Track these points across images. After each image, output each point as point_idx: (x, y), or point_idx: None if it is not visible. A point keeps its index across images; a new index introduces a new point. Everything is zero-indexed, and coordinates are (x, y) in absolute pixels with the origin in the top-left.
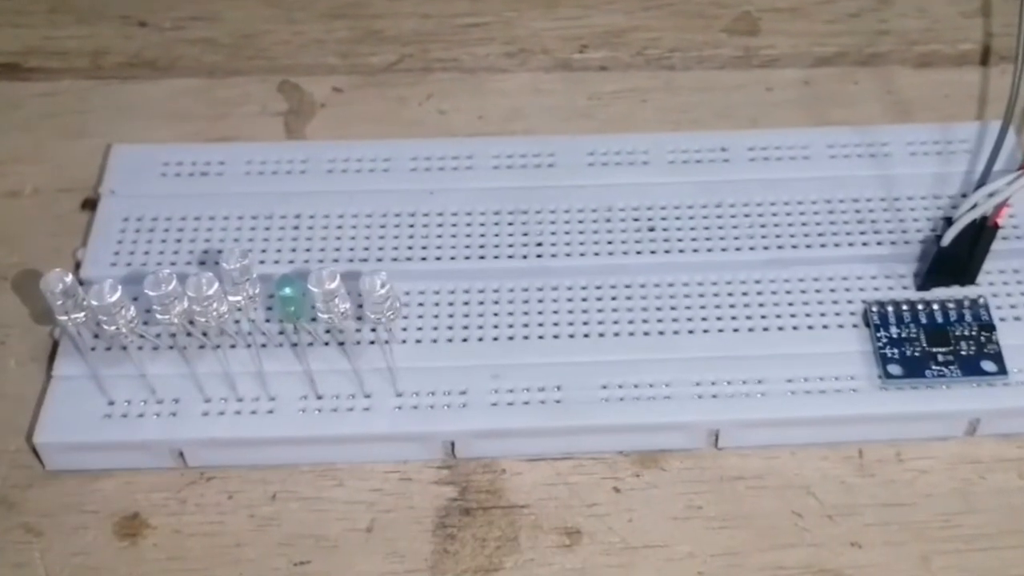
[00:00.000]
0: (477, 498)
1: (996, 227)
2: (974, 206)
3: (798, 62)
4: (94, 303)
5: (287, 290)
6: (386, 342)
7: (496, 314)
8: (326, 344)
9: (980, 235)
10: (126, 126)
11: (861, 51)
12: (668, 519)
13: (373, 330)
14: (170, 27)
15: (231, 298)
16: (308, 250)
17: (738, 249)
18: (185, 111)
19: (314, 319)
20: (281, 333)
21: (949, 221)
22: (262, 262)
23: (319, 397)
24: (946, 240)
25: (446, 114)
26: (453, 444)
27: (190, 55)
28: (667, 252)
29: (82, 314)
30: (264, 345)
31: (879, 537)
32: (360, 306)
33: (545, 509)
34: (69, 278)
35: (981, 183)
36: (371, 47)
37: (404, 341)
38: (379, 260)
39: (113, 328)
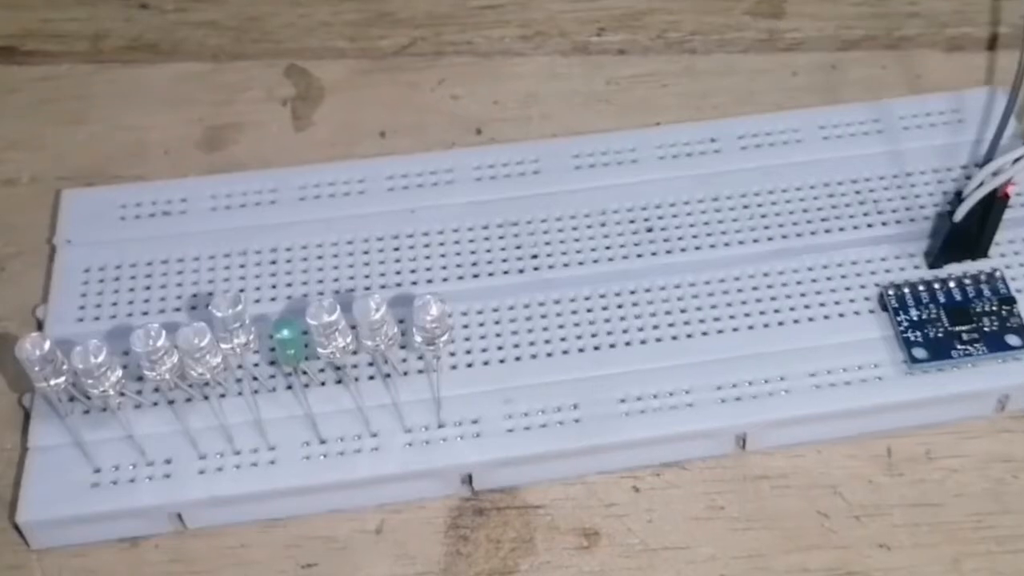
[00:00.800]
0: (491, 498)
1: (1007, 198)
2: (981, 184)
3: (824, 45)
4: (79, 366)
5: (285, 332)
6: (433, 370)
7: (499, 334)
8: (322, 384)
9: (990, 208)
10: (127, 112)
11: (889, 34)
12: (689, 520)
13: (419, 357)
14: (172, 9)
15: (224, 346)
16: (289, 285)
17: (741, 243)
18: (188, 96)
19: (308, 358)
20: (272, 377)
21: (959, 195)
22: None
23: (322, 441)
24: (959, 216)
25: (459, 100)
26: (471, 477)
27: (193, 38)
28: (668, 252)
29: (62, 379)
30: (257, 391)
31: (908, 538)
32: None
33: (562, 509)
34: (47, 344)
35: (989, 158)
36: (381, 30)
37: (406, 373)
38: (366, 288)
39: (99, 391)
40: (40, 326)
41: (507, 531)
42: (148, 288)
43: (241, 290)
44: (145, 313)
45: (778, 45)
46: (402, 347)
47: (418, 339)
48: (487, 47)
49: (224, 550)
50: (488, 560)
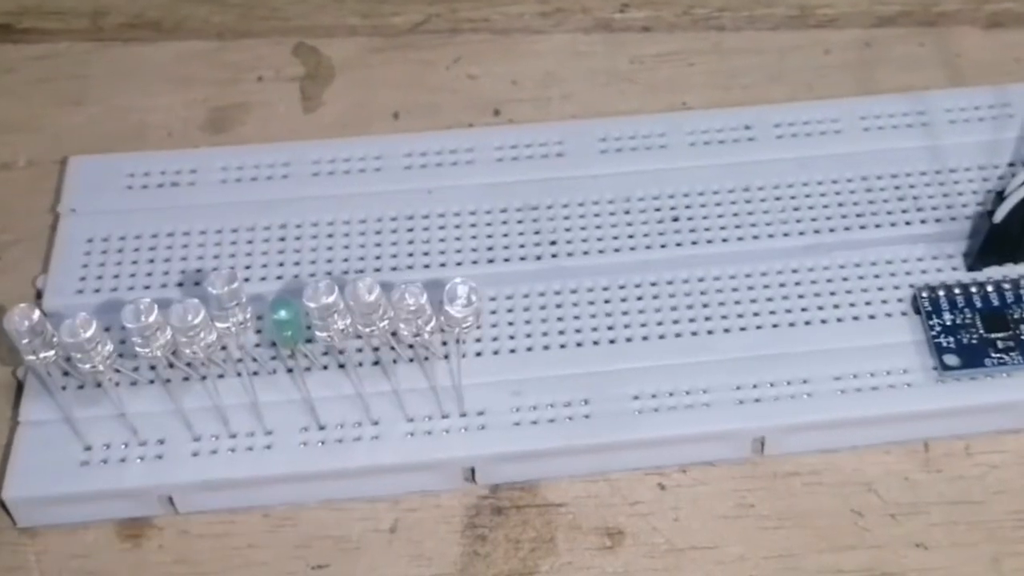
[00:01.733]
0: (510, 496)
1: None
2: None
3: (858, 22)
4: (67, 340)
5: (282, 313)
6: (445, 357)
7: (511, 323)
8: (324, 368)
9: None
10: (128, 92)
11: (927, 10)
12: (717, 518)
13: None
14: None
15: (219, 325)
16: (297, 263)
17: (771, 236)
18: (192, 76)
19: (309, 341)
20: (274, 359)
21: (1001, 195)
22: (247, 279)
23: (321, 427)
24: (999, 216)
25: (476, 79)
26: (473, 471)
27: (197, 15)
28: (694, 244)
29: (52, 352)
30: (256, 373)
31: (946, 538)
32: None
33: (584, 508)
34: (36, 315)
35: None
36: (394, 6)
37: (411, 360)
38: (376, 270)
39: (89, 366)
40: (39, 296)
41: (527, 530)
42: (151, 261)
43: (231, 267)
44: (147, 287)
45: (809, 22)
46: (393, 333)
47: (444, 324)
48: (505, 24)
49: (230, 550)
50: (507, 561)
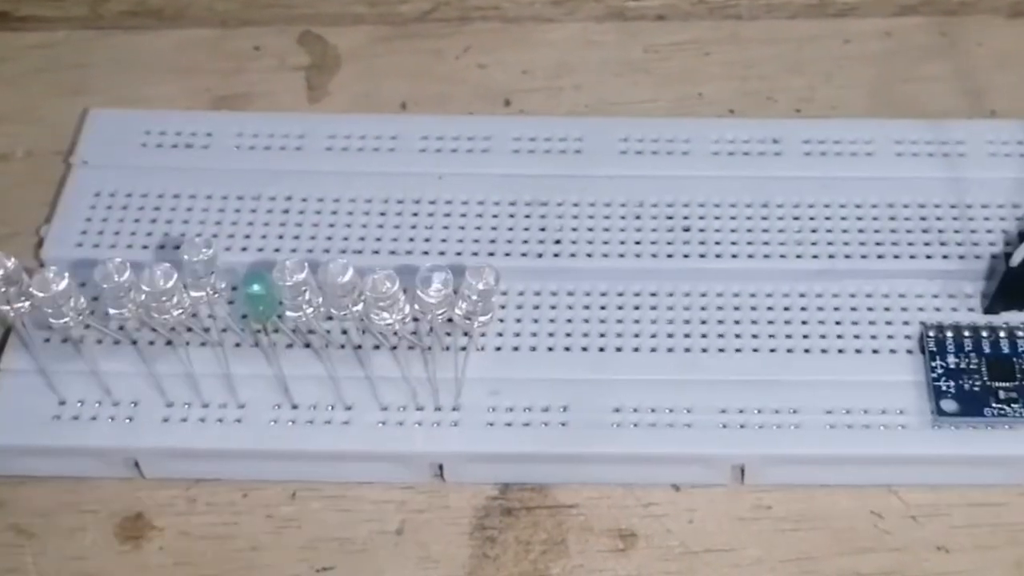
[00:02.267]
0: (520, 496)
1: None
2: None
3: (878, 11)
4: (38, 293)
5: (255, 287)
6: (462, 348)
7: (502, 320)
8: (307, 346)
9: None
10: (129, 82)
11: None
12: (733, 520)
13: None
14: None
15: (194, 293)
16: (297, 237)
17: (783, 256)
18: (194, 65)
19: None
20: (259, 332)
21: (1022, 236)
22: (244, 249)
23: (294, 407)
24: (1016, 260)
25: (486, 69)
26: (441, 467)
27: (200, 3)
28: (702, 256)
29: (27, 303)
30: (238, 345)
31: (968, 540)
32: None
33: (596, 509)
34: (12, 262)
35: None
36: None
37: (395, 347)
38: (375, 252)
39: (61, 321)
40: (40, 244)
41: (537, 532)
42: (154, 222)
43: (214, 235)
44: (145, 247)
45: (829, 11)
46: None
47: (459, 310)
48: (516, 12)
49: (233, 552)
50: (517, 563)
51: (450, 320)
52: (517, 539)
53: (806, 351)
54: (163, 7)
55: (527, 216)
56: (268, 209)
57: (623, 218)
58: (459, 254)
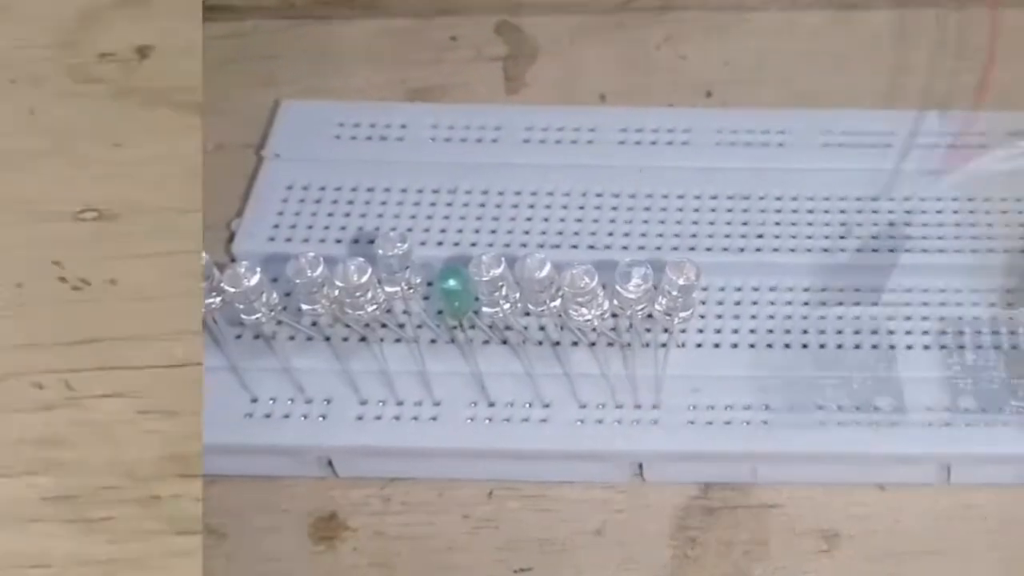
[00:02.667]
0: (722, 495)
1: None
2: None
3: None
4: (230, 289)
5: (451, 282)
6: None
7: (703, 316)
8: (503, 343)
9: None
10: (321, 73)
11: None
12: (942, 520)
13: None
14: None
15: (388, 288)
16: (493, 231)
17: (991, 251)
18: (388, 56)
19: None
20: (456, 328)
21: None
22: (439, 243)
23: (491, 404)
24: None
25: (687, 59)
26: (641, 466)
27: None
28: (907, 251)
29: (219, 299)
30: (434, 341)
31: None
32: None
33: (800, 509)
34: (203, 259)
35: None
36: None
37: (593, 344)
38: (573, 247)
39: (253, 317)
40: (231, 239)
41: (739, 532)
42: (347, 215)
43: (409, 229)
44: (338, 241)
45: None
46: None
47: (659, 306)
48: (718, 1)
49: (429, 553)
50: (718, 564)
51: (650, 316)
52: (719, 539)
53: (1012, 348)
54: None
55: (728, 210)
56: (464, 203)
57: (826, 212)
58: (659, 248)
